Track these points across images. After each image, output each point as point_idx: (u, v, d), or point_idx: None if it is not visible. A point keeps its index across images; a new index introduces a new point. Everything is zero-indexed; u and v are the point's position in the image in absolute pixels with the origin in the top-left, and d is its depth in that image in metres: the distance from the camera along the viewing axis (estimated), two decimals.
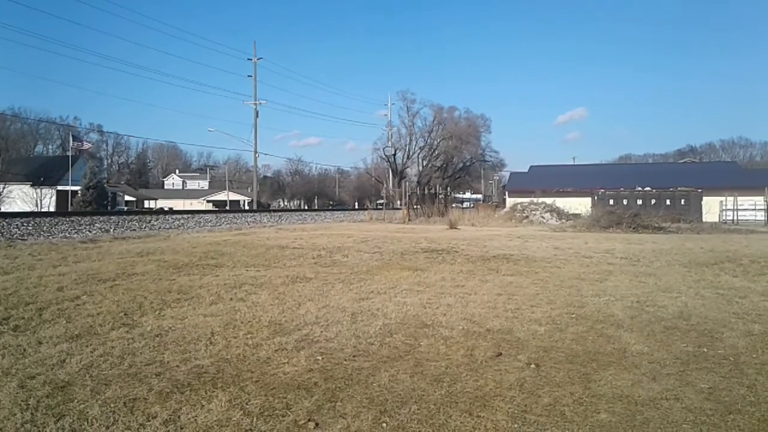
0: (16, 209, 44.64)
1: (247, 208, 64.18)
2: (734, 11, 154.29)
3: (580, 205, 34.93)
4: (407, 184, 49.81)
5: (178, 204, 77.19)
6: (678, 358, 4.45)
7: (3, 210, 44.70)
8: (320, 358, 4.38)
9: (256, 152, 52.10)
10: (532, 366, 4.21)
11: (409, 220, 33.80)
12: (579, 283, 8.26)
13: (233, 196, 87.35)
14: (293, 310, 6.18)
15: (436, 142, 54.72)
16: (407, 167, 55.47)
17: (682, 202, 33.84)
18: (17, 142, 73.62)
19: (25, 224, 17.04)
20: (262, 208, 57.51)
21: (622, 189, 36.28)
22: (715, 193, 36.70)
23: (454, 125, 54.54)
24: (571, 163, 72.39)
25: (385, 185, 53.84)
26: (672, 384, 3.85)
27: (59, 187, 53.75)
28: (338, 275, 8.83)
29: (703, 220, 31.49)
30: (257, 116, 51.26)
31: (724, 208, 37.14)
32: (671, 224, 24.86)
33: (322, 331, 5.18)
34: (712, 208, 35.52)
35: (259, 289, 7.50)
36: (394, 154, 52.61)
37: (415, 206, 42.08)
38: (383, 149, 54.02)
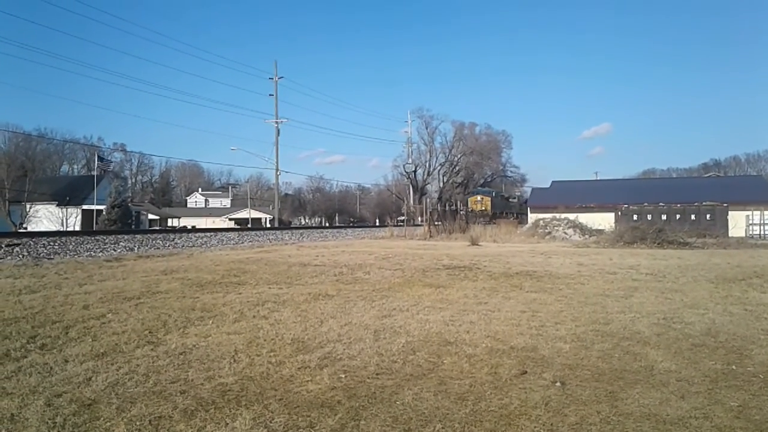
0: (43, 229, 45.42)
1: (268, 225, 64.69)
2: (757, 24, 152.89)
3: (603, 220, 34.53)
4: (428, 200, 49.83)
5: (201, 222, 78.06)
6: (706, 376, 4.37)
7: (30, 229, 45.56)
8: (343, 376, 4.37)
9: (277, 170, 52.62)
10: (558, 384, 4.16)
11: (430, 236, 33.67)
12: (604, 299, 8.15)
13: (255, 214, 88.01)
14: (316, 327, 6.18)
15: (456, 158, 54.83)
16: (428, 183, 55.65)
17: (708, 217, 33.38)
18: (43, 162, 75.09)
19: (51, 243, 17.31)
20: (284, 225, 57.91)
21: (646, 204, 35.91)
22: (741, 208, 36.13)
23: (474, 141, 54.66)
24: (594, 178, 71.86)
25: (405, 201, 53.82)
26: (701, 402, 3.78)
27: (84, 207, 54.63)
28: (360, 292, 8.81)
29: (730, 235, 30.97)
30: (278, 134, 51.92)
31: (750, 222, 36.48)
32: (697, 239, 24.46)
33: (344, 349, 5.17)
34: (738, 222, 34.92)
35: (281, 306, 7.52)
36: (414, 171, 52.78)
37: (436, 222, 41.94)
38: (403, 166, 54.19)
